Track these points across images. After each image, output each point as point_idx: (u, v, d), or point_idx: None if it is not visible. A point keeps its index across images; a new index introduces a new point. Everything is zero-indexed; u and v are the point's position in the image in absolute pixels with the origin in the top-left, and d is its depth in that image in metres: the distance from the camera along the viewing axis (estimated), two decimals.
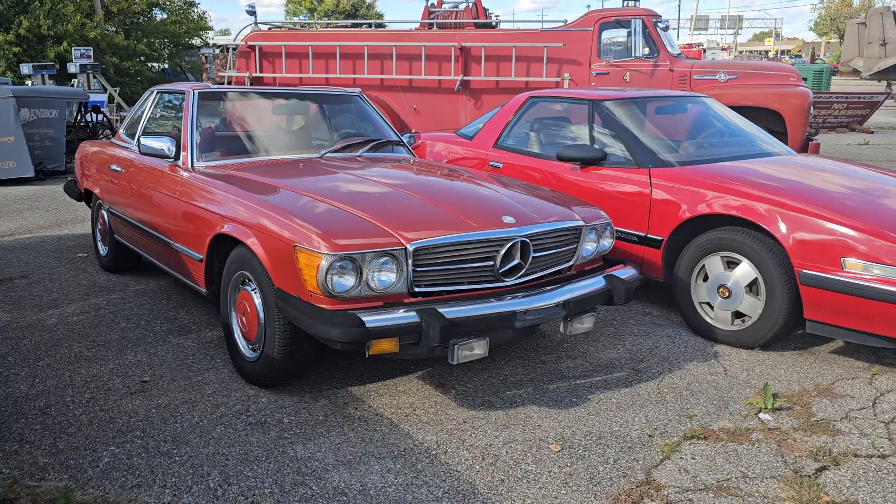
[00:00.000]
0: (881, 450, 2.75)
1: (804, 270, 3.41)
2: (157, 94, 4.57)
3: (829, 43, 51.89)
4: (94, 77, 17.33)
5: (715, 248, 3.76)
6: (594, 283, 3.14)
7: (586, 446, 2.71)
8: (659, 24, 8.18)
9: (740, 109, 7.80)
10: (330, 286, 2.61)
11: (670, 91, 5.46)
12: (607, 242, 3.45)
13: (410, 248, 2.71)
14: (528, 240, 2.96)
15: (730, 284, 3.71)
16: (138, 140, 3.94)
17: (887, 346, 3.38)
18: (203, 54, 23.62)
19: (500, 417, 2.92)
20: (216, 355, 3.51)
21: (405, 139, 4.73)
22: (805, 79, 17.45)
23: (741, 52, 56.40)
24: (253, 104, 4.40)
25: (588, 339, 3.83)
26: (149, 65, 23.72)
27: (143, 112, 4.59)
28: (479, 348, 2.76)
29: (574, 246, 3.25)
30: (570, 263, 3.27)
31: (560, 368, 3.44)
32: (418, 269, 2.76)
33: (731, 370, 3.47)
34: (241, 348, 3.20)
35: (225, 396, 3.07)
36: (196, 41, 25.13)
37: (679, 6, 69.62)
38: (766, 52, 54.94)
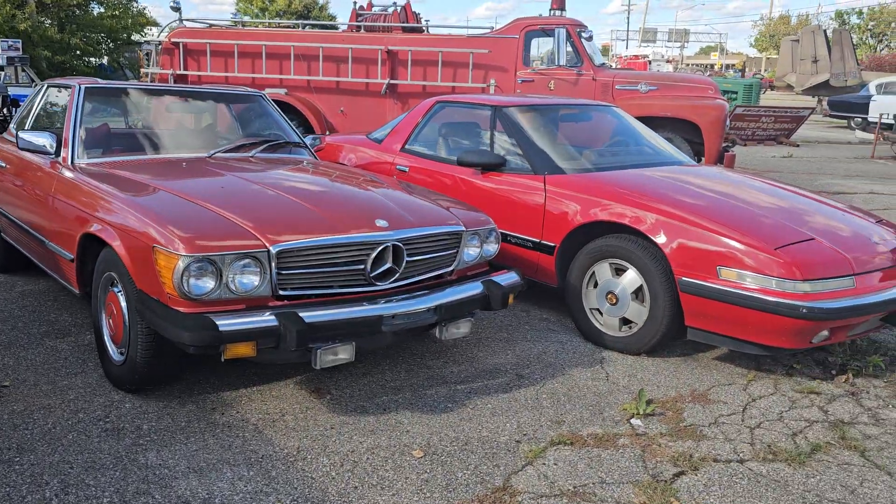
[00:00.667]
0: (741, 455, 2.81)
1: (684, 278, 3.47)
2: (47, 87, 4.40)
3: (768, 58, 53.65)
4: (23, 70, 16.71)
5: (604, 255, 3.81)
6: (470, 289, 3.14)
7: (450, 452, 2.70)
8: (583, 34, 8.29)
9: (660, 120, 7.99)
10: (187, 288, 2.54)
11: (576, 99, 5.54)
12: (492, 248, 3.45)
13: (274, 250, 2.65)
14: (400, 244, 2.94)
15: (617, 291, 3.76)
16: (17, 135, 3.79)
17: (761, 353, 3.46)
18: (140, 51, 23.04)
19: (369, 423, 2.88)
20: (89, 359, 3.38)
21: (308, 141, 4.67)
22: (736, 92, 17.99)
23: (688, 65, 57.87)
24: (145, 101, 4.28)
25: (478, 344, 3.82)
26: (85, 60, 23.04)
27: (32, 106, 4.42)
28: (343, 353, 2.72)
29: (455, 251, 3.24)
30: (452, 268, 3.25)
31: (444, 373, 3.42)
32: (283, 271, 2.70)
33: (614, 376, 3.51)
34: (110, 352, 3.09)
35: (87, 402, 2.95)
36: (136, 36, 24.49)
37: (628, 18, 71.13)
38: (712, 65, 56.51)
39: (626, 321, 3.78)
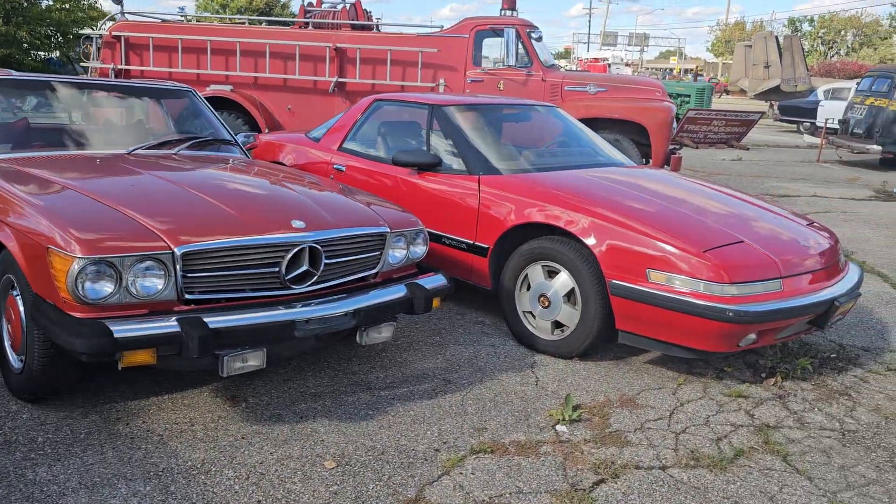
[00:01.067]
0: (664, 461, 2.77)
1: (614, 281, 3.43)
2: None
3: (724, 63, 54.68)
4: None
5: (536, 258, 3.75)
6: (392, 292, 3.04)
7: (364, 462, 2.60)
8: (533, 35, 8.27)
9: (608, 121, 8.01)
10: (82, 292, 2.39)
11: (518, 99, 5.49)
12: (420, 249, 3.36)
13: (179, 252, 2.52)
14: (318, 245, 2.83)
15: (550, 294, 3.71)
16: None
17: (690, 356, 3.44)
18: (89, 45, 22.39)
19: (283, 432, 2.77)
20: None
21: (240, 139, 4.52)
22: (689, 96, 18.20)
23: (647, 69, 58.64)
24: (66, 95, 4.08)
25: (408, 348, 3.73)
26: (33, 54, 22.30)
27: None
28: (253, 360, 2.60)
29: (379, 253, 3.14)
30: (376, 271, 3.16)
31: (368, 379, 3.32)
32: (189, 274, 2.57)
33: (544, 380, 3.45)
34: (10, 359, 2.91)
35: None
36: (88, 30, 23.77)
37: (589, 22, 71.89)
38: (671, 69, 57.39)
39: (558, 324, 3.72)
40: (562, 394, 3.31)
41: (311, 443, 2.70)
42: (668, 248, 3.31)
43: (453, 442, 2.80)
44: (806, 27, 50.42)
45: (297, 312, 2.67)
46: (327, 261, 2.88)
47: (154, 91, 4.36)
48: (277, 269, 2.74)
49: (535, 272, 3.77)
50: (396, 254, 3.24)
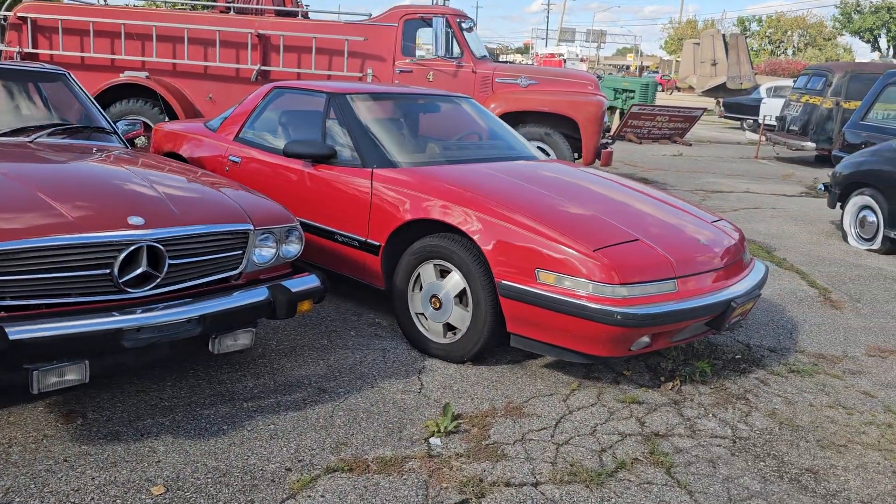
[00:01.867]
0: (538, 476, 2.57)
1: (504, 281, 3.22)
2: None
3: (677, 61, 55.38)
4: None
5: (428, 256, 3.52)
6: (250, 296, 2.78)
7: (200, 487, 2.34)
8: (463, 25, 8.04)
9: (540, 115, 7.84)
10: None
11: (427, 89, 5.24)
12: (294, 248, 3.10)
13: None
14: (159, 244, 2.55)
15: (441, 295, 3.49)
16: None
17: (582, 361, 3.26)
18: None
19: (115, 453, 2.48)
20: None
21: (122, 127, 4.19)
22: (634, 91, 18.21)
23: (604, 66, 58.95)
24: None
25: (289, 354, 3.47)
26: None
27: None
28: (72, 374, 2.31)
29: (241, 252, 2.87)
30: (238, 272, 2.89)
31: (234, 389, 3.06)
32: (1, 278, 2.27)
33: (429, 388, 3.23)
34: None
35: None
36: None
37: (547, 17, 72.15)
38: (628, 66, 57.91)
39: (450, 327, 3.51)
40: (444, 402, 3.10)
41: (145, 465, 2.43)
42: (557, 245, 3.12)
43: (310, 460, 2.55)
44: (754, 27, 51.36)
45: (126, 320, 2.38)
46: (172, 261, 2.60)
47: (20, 73, 4.00)
48: (109, 272, 2.46)
49: (427, 272, 3.54)
50: (264, 253, 2.97)
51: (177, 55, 8.17)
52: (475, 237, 3.31)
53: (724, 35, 27.46)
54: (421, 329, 3.61)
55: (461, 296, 3.43)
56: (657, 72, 48.52)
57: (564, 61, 45.61)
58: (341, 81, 4.66)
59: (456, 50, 8.01)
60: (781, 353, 3.94)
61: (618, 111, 17.68)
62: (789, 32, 48.78)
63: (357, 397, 3.08)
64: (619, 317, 2.95)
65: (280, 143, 4.48)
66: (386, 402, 3.05)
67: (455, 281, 3.43)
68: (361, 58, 8.05)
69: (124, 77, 7.98)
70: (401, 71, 8.02)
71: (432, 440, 2.77)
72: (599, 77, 20.28)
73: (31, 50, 8.20)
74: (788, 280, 5.39)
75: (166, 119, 7.85)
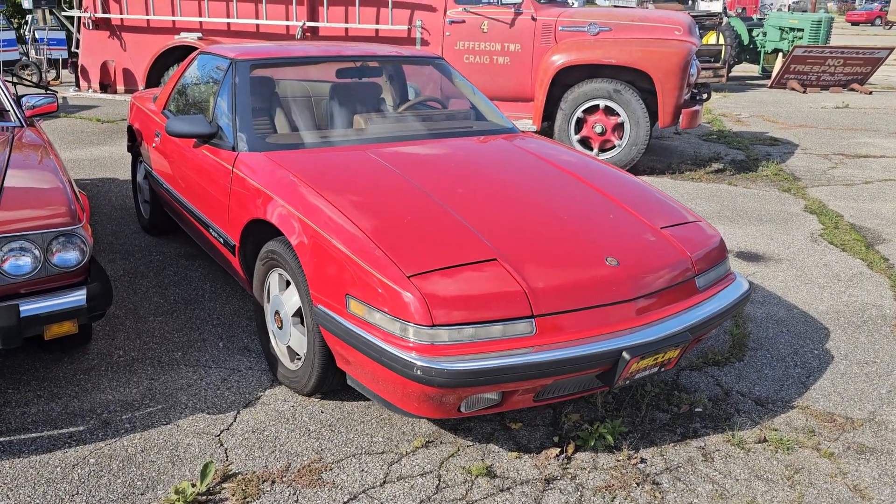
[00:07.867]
0: None
1: (319, 307, 2.51)
2: None
3: None
4: (51, 13, 16.70)
5: (272, 264, 2.88)
6: None
7: None
8: None
9: (612, 69, 6.66)
10: None
11: (379, 48, 4.31)
12: (70, 256, 2.60)
13: None
14: None
15: (282, 312, 2.84)
16: None
17: (415, 417, 2.47)
18: None
19: None
20: None
21: (33, 101, 3.90)
22: (802, 30, 15.54)
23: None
24: None
25: (117, 369, 3.02)
26: None
27: None
28: None
29: None
30: None
31: (7, 414, 2.66)
32: None
33: (237, 429, 2.63)
34: None
35: None
36: None
37: None
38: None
39: (295, 352, 2.86)
40: (241, 454, 2.49)
41: None
42: (365, 266, 2.34)
43: None
44: None
45: None
46: None
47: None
48: None
49: (274, 282, 2.90)
50: (20, 263, 2.50)
51: (230, 14, 7.92)
52: (294, 244, 2.61)
53: None
54: (275, 349, 2.99)
55: (299, 314, 2.77)
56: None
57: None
58: (254, 45, 3.98)
59: None
60: (770, 409, 2.85)
61: (779, 55, 15.24)
62: None
63: (135, 438, 2.55)
64: (418, 371, 2.14)
65: None
66: (163, 448, 2.50)
67: (295, 298, 2.76)
68: (410, 9, 7.30)
69: (177, 40, 7.89)
70: (451, 22, 7.17)
71: None
72: (761, 18, 17.59)
73: (101, 14, 8.36)
74: (868, 290, 4.02)
75: None
